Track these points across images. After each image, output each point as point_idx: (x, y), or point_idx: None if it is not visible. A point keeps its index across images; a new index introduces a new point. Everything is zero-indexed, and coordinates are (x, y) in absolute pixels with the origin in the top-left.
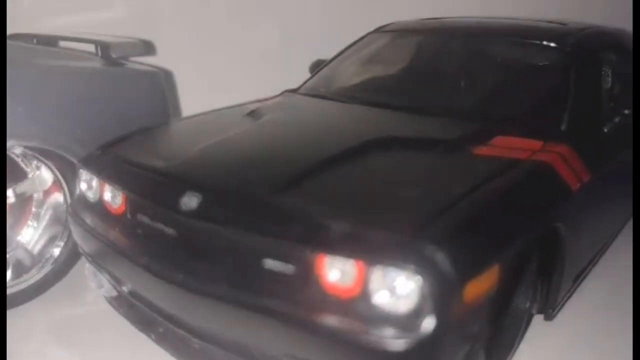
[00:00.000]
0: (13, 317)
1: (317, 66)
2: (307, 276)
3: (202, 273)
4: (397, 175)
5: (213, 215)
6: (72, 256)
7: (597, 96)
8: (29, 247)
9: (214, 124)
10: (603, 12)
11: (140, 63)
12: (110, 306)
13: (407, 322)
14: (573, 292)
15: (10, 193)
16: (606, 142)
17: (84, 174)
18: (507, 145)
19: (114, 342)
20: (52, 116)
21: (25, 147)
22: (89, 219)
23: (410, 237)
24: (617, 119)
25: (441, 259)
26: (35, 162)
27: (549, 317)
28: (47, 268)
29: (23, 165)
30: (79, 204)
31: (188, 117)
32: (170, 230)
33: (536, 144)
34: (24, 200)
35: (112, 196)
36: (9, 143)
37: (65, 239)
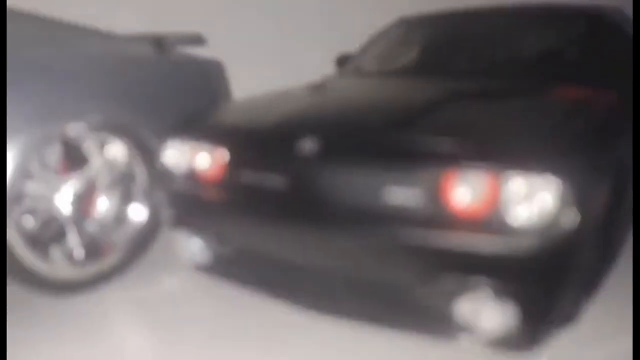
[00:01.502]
0: (95, 297)
1: (342, 60)
2: (437, 199)
3: (324, 214)
4: (497, 112)
5: (336, 153)
6: (152, 229)
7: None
8: (105, 225)
9: (288, 95)
10: None
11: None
12: (200, 272)
13: (547, 226)
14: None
15: (79, 177)
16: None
17: (175, 145)
18: (567, 93)
19: (196, 316)
20: (126, 98)
21: (102, 122)
22: (183, 187)
23: (540, 148)
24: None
25: (574, 164)
26: (103, 142)
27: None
28: (126, 244)
29: (87, 150)
30: (170, 175)
31: (254, 95)
32: (284, 179)
33: (591, 91)
34: (92, 182)
35: (209, 160)
36: (90, 117)
37: (144, 211)
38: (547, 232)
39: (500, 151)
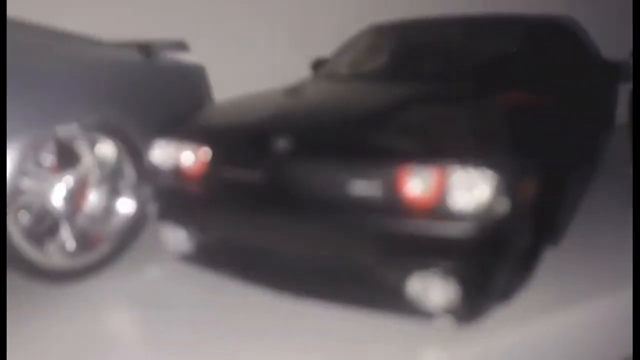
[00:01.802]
0: (87, 284)
1: (317, 63)
2: (394, 190)
3: (295, 204)
4: (446, 115)
5: (306, 150)
6: (139, 223)
7: (564, 64)
8: (95, 218)
9: (264, 98)
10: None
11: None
12: (185, 262)
13: (484, 211)
14: (569, 223)
15: (71, 174)
16: (575, 99)
17: (162, 144)
18: (510, 98)
19: (181, 301)
20: (115, 100)
21: (94, 124)
22: (169, 183)
23: (478, 146)
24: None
25: (506, 159)
26: (95, 142)
27: (555, 241)
28: (115, 237)
29: (78, 148)
30: (157, 171)
31: (234, 97)
32: (260, 174)
33: (532, 97)
34: (84, 178)
35: (192, 158)
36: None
37: (132, 205)
38: (483, 217)
39: (446, 149)
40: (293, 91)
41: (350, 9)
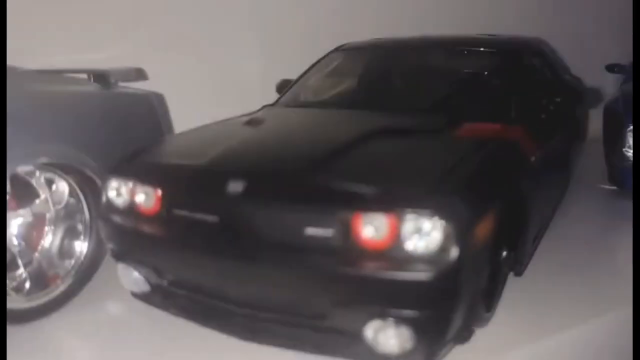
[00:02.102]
0: (43, 325)
1: (283, 86)
2: (347, 236)
3: (249, 248)
4: (402, 153)
5: (259, 194)
6: (95, 260)
7: (532, 88)
8: (50, 257)
9: (223, 129)
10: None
11: (136, 88)
12: (141, 302)
13: (435, 257)
14: (533, 252)
15: (28, 212)
16: (544, 125)
17: (113, 182)
18: (475, 129)
19: (136, 336)
20: (69, 136)
21: (48, 163)
22: (121, 222)
23: (431, 191)
24: (548, 106)
25: (457, 205)
26: (50, 179)
27: (518, 272)
28: (71, 275)
29: (36, 186)
30: (110, 211)
31: (191, 129)
32: (212, 217)
33: (497, 126)
34: (39, 216)
35: (145, 197)
36: (38, 160)
37: (87, 244)
38: (436, 262)
39: (398, 194)
40: (252, 122)
41: (319, 30)
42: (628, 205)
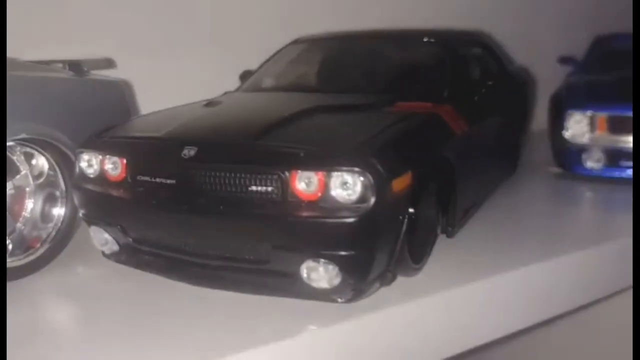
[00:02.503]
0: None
1: (245, 75)
2: (285, 191)
3: (201, 205)
4: (337, 124)
5: (210, 159)
6: (71, 225)
7: (467, 74)
8: (34, 222)
9: (183, 110)
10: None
11: (106, 76)
12: (111, 260)
13: (356, 206)
14: (465, 221)
15: (10, 185)
16: (477, 106)
17: (85, 155)
18: (408, 106)
19: (111, 293)
20: (47, 116)
21: (28, 139)
22: (93, 190)
23: (353, 152)
24: (482, 90)
25: (375, 164)
26: (31, 155)
27: (449, 234)
28: (51, 238)
29: (16, 161)
30: (82, 180)
31: (154, 111)
32: (170, 180)
33: (427, 105)
34: (21, 189)
35: (112, 167)
36: (19, 136)
37: (64, 210)
38: (358, 211)
39: (327, 155)
40: (210, 104)
41: (278, 23)
42: (569, 185)
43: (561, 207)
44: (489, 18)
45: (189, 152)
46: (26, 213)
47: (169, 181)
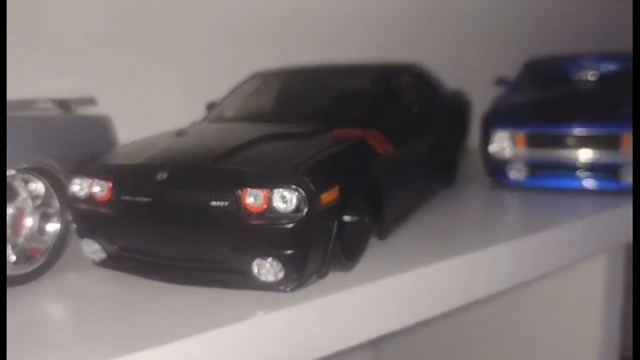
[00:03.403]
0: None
1: (210, 106)
2: (238, 205)
3: (172, 217)
4: (282, 149)
5: (178, 180)
6: (65, 238)
7: (396, 102)
8: (33, 235)
9: (157, 139)
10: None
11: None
12: (100, 267)
13: (293, 215)
14: (396, 226)
15: (12, 207)
16: (404, 129)
17: (76, 179)
18: (341, 133)
19: (101, 295)
20: (43, 148)
21: (29, 168)
22: (84, 208)
23: (290, 173)
24: (411, 115)
25: (306, 181)
26: (28, 180)
27: (381, 237)
28: (49, 250)
29: (17, 187)
30: (74, 200)
31: (132, 141)
32: (147, 199)
33: (358, 131)
34: (21, 210)
35: (99, 189)
36: (21, 166)
37: (59, 225)
38: (294, 219)
39: (270, 176)
40: (181, 133)
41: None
42: (498, 194)
43: (488, 211)
44: (429, 50)
45: (162, 175)
46: (26, 229)
47: (146, 199)
